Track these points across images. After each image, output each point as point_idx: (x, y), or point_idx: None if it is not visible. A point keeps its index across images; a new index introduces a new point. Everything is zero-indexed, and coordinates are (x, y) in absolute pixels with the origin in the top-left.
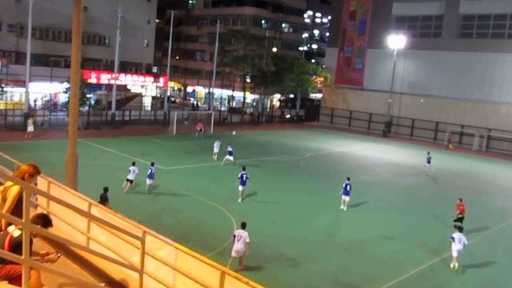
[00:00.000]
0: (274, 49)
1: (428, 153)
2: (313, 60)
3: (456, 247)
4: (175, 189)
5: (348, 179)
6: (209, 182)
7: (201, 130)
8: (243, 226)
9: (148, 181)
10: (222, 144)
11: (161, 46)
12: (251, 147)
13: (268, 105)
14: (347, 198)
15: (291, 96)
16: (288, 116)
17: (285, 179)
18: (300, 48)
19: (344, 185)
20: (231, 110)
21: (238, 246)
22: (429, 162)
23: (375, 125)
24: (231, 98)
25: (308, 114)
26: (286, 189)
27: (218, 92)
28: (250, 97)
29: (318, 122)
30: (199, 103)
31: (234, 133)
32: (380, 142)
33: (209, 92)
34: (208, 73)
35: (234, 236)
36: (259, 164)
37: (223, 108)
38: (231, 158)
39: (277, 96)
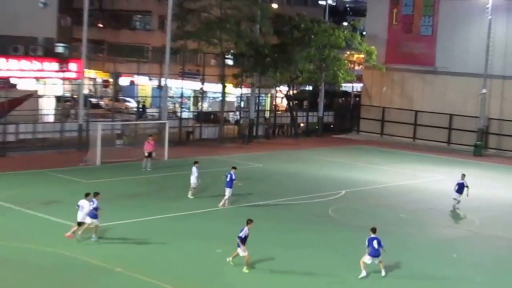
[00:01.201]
0: (275, 6)
1: (463, 175)
2: (345, 24)
3: None
4: (103, 264)
5: (374, 231)
6: (169, 249)
7: (149, 154)
8: None
9: (90, 220)
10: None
11: (70, 7)
12: (243, 184)
13: (268, 107)
14: (375, 261)
15: (308, 88)
16: (303, 124)
17: (302, 236)
18: (322, 2)
19: (368, 241)
20: (202, 117)
21: None
22: (459, 191)
23: (460, 136)
24: (201, 96)
25: (340, 120)
26: (304, 255)
27: (177, 85)
28: (234, 93)
29: (358, 133)
30: (145, 107)
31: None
32: (471, 166)
33: (159, 87)
34: (157, 53)
35: None
36: (257, 211)
37: (185, 115)
38: (227, 193)
39: (283, 89)
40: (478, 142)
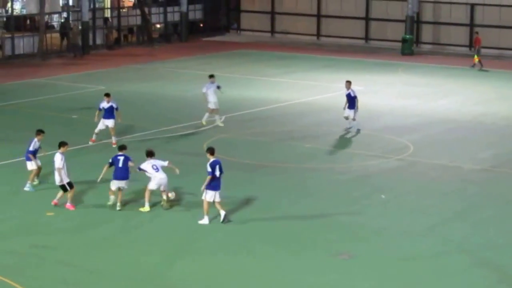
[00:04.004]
0: None
1: (349, 84)
2: None
3: None
4: None
5: (212, 152)
6: None
7: None
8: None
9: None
10: None
11: None
12: (77, 116)
13: (108, 3)
14: (216, 196)
15: None
16: (159, 25)
17: (181, 183)
18: None
19: (210, 166)
20: (13, 24)
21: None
22: (351, 105)
23: (381, 28)
24: None
25: (212, 16)
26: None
27: None
28: None
29: (240, 33)
30: None
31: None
32: (398, 69)
33: None
34: None
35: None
36: (104, 153)
37: None
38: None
39: None
40: (407, 36)
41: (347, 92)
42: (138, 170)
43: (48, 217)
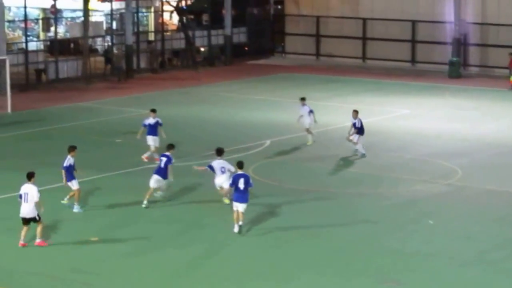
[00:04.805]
0: None
1: (355, 113)
2: None
3: None
4: None
5: (240, 166)
6: None
7: None
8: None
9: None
10: None
11: None
12: (122, 140)
13: (152, 27)
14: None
15: None
16: (203, 48)
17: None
18: None
19: (232, 179)
20: (57, 48)
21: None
22: (360, 131)
23: (428, 51)
24: (54, 18)
25: (257, 39)
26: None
27: (17, 3)
28: (102, 9)
29: (284, 56)
30: None
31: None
32: (445, 92)
33: None
34: None
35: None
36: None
37: (33, 46)
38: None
39: (172, 0)
40: (454, 59)
41: (354, 121)
42: (208, 168)
43: (91, 242)
